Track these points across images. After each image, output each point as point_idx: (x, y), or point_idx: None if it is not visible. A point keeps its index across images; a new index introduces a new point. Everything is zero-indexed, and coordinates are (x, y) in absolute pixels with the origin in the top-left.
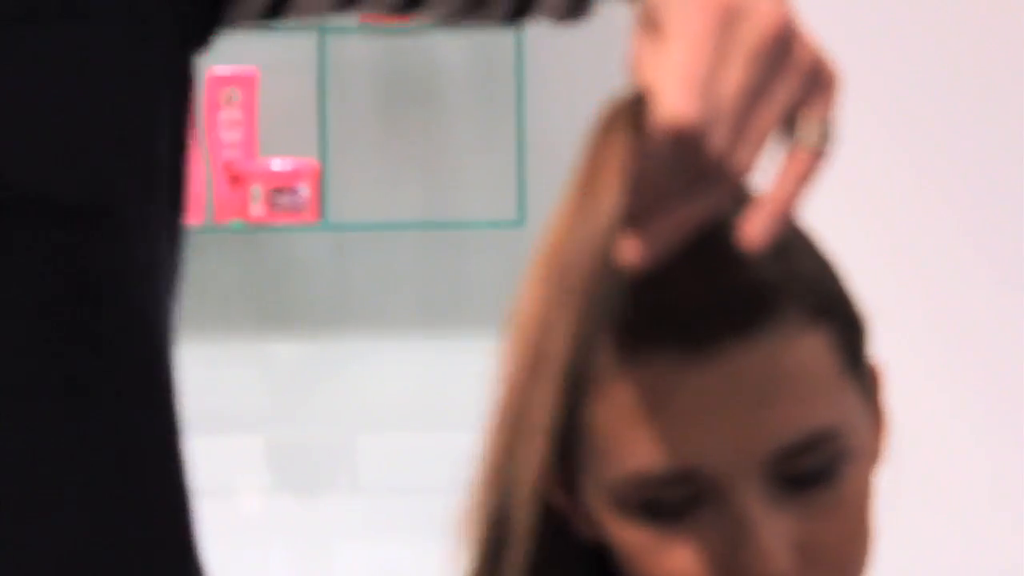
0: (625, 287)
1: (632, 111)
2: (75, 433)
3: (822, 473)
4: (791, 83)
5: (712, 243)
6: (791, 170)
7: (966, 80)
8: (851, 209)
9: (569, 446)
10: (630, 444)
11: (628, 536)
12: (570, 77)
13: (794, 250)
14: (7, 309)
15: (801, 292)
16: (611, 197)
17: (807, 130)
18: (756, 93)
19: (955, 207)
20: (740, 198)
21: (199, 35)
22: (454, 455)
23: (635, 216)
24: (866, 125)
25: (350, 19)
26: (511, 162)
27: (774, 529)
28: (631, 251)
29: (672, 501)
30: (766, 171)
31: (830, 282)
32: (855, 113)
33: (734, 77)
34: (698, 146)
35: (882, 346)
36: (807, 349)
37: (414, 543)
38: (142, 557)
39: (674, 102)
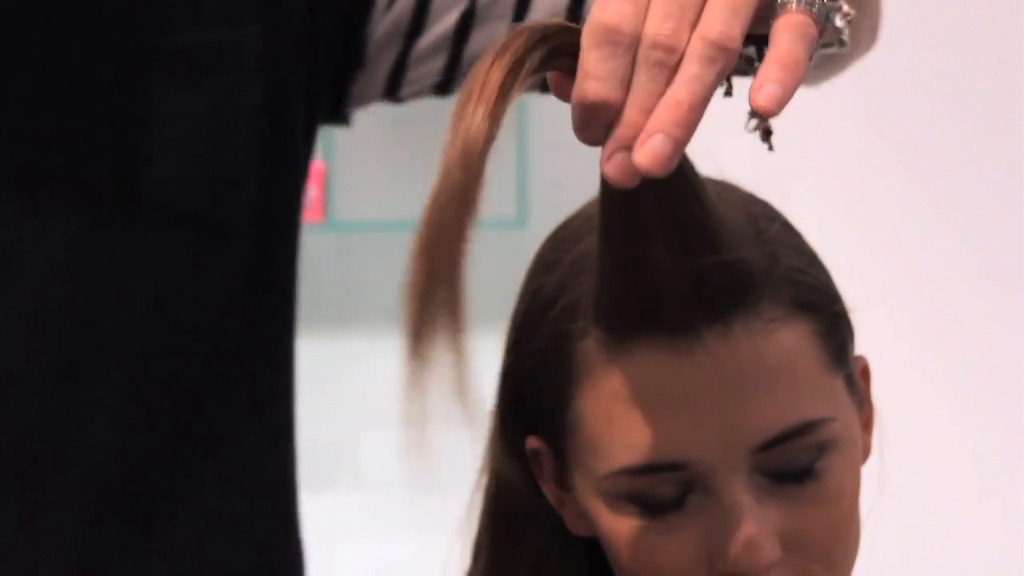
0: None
1: (523, 36)
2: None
3: (808, 465)
4: None
5: (693, 231)
6: (780, 32)
7: (956, 75)
8: (836, 203)
9: (561, 441)
10: (619, 437)
11: (618, 528)
12: None
13: (776, 242)
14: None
15: (782, 283)
16: (485, 106)
17: None
18: None
19: (942, 201)
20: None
21: (329, 109)
22: (457, 452)
23: (632, 126)
24: (851, 118)
25: None
26: (512, 163)
27: (761, 520)
28: (647, 158)
29: (661, 493)
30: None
31: (813, 275)
32: (843, 108)
33: None
34: (638, 38)
35: (868, 339)
36: (790, 341)
37: (417, 539)
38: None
39: (597, 9)
